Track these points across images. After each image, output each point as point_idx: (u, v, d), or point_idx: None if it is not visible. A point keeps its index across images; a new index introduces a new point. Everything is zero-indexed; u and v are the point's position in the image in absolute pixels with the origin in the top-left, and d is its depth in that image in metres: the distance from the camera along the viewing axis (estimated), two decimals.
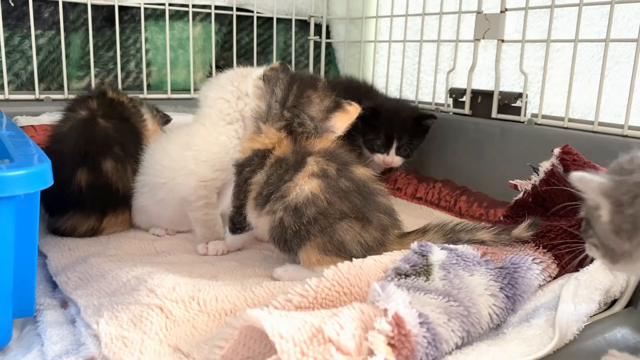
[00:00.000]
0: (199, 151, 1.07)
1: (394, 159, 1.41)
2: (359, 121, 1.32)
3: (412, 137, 1.41)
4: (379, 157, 1.42)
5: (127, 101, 1.23)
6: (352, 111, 0.99)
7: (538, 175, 1.04)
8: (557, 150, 1.03)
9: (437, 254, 0.78)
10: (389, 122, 1.38)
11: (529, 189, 1.04)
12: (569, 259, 0.86)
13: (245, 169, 0.94)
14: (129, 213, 1.13)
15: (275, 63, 1.05)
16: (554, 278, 0.83)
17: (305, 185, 0.85)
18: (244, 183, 0.93)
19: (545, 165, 1.03)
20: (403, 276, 0.71)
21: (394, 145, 1.40)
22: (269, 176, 0.90)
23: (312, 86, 0.98)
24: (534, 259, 0.81)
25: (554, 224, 0.93)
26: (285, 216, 0.86)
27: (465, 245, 0.83)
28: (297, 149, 0.91)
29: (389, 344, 0.55)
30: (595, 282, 0.78)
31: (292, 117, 0.94)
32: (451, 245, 0.82)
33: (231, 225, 1.00)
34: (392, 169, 1.53)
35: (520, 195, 1.06)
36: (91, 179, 1.07)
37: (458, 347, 0.64)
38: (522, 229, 0.88)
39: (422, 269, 0.73)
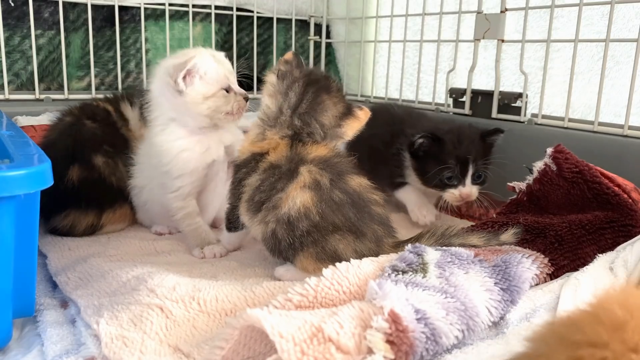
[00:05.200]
0: (157, 164, 1.06)
1: (471, 189, 1.15)
2: (410, 157, 1.19)
3: (485, 158, 1.17)
4: (452, 194, 1.15)
5: (112, 109, 1.21)
6: (362, 117, 0.96)
7: (533, 175, 1.05)
8: (549, 150, 1.04)
9: (432, 253, 0.78)
10: (458, 146, 1.14)
11: (524, 188, 1.05)
12: (564, 258, 0.87)
13: (241, 169, 0.93)
14: (127, 207, 1.14)
15: (288, 54, 1.00)
16: (550, 276, 0.84)
17: (297, 198, 0.83)
18: (238, 183, 0.92)
19: (538, 165, 1.04)
20: (400, 272, 0.71)
21: (469, 172, 1.14)
22: (261, 182, 0.88)
23: (327, 89, 0.94)
24: (523, 255, 0.82)
25: (546, 221, 0.94)
26: (278, 228, 0.85)
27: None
28: (292, 155, 0.88)
29: (388, 341, 0.55)
30: (595, 282, 0.78)
31: (302, 126, 0.91)
32: (443, 247, 0.83)
33: (227, 223, 1.00)
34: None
35: (516, 195, 1.07)
36: (84, 175, 1.07)
37: (459, 342, 0.64)
38: (509, 235, 0.89)
39: (418, 267, 0.73)
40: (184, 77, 1.02)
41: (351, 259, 0.75)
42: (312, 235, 0.83)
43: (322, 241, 0.83)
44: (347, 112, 0.96)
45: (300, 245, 0.83)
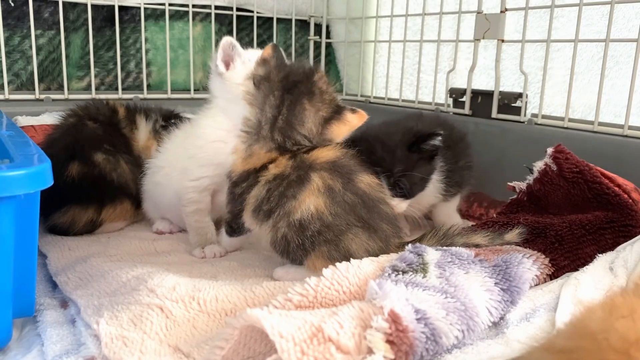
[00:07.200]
0: (189, 145, 1.06)
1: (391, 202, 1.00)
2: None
3: (408, 169, 1.03)
4: None
5: (122, 111, 1.23)
6: (354, 121, 0.89)
7: (533, 175, 1.05)
8: (550, 150, 1.04)
9: (432, 253, 0.78)
10: (372, 155, 1.03)
11: (524, 188, 1.06)
12: (565, 258, 0.87)
13: (240, 184, 0.89)
14: (128, 203, 1.14)
15: (267, 49, 0.91)
16: (550, 277, 0.84)
17: (311, 204, 0.82)
18: (239, 196, 0.89)
19: (539, 165, 1.04)
20: (400, 272, 0.71)
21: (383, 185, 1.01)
22: (268, 192, 0.85)
23: (308, 94, 0.87)
24: (524, 255, 0.82)
25: (547, 221, 0.94)
26: (289, 232, 0.83)
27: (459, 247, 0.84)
28: (298, 163, 0.85)
29: (388, 341, 0.55)
30: (595, 282, 0.78)
31: (284, 139, 0.87)
32: (444, 247, 0.83)
33: (229, 229, 0.98)
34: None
35: (516, 195, 1.07)
36: (84, 170, 1.08)
37: (459, 342, 0.64)
38: (514, 235, 0.89)
39: (418, 267, 0.73)
40: (227, 62, 1.04)
41: (351, 259, 0.75)
42: (323, 234, 0.82)
43: (335, 240, 0.82)
44: (333, 117, 0.88)
45: (311, 245, 0.83)
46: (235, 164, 0.91)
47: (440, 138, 1.05)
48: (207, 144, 1.05)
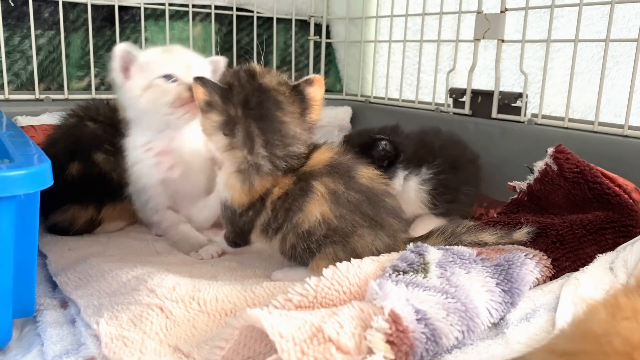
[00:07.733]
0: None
1: None
2: None
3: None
4: None
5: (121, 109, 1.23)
6: (318, 95, 0.87)
7: (533, 174, 1.05)
8: (550, 150, 1.04)
9: (434, 253, 0.78)
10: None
11: (525, 188, 1.05)
12: (566, 259, 0.87)
13: (247, 213, 0.87)
14: (128, 203, 1.14)
15: (196, 88, 0.83)
16: (551, 277, 0.84)
17: (317, 213, 0.82)
18: (247, 224, 0.88)
19: (539, 165, 1.04)
20: (401, 273, 0.71)
21: None
22: (273, 211, 0.84)
23: (276, 105, 0.84)
24: (526, 255, 0.82)
25: (547, 221, 0.94)
26: (297, 240, 0.84)
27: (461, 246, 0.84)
28: (299, 176, 0.85)
29: (388, 341, 0.55)
30: (595, 282, 0.78)
31: (288, 161, 0.85)
32: (447, 246, 0.83)
33: (232, 245, 0.96)
34: None
35: (517, 194, 1.07)
36: (84, 170, 1.08)
37: (459, 343, 0.64)
38: (522, 234, 0.89)
39: (419, 267, 0.73)
40: (125, 70, 0.99)
41: (352, 259, 0.75)
42: (329, 237, 0.82)
43: (341, 242, 0.82)
44: (304, 106, 0.86)
45: (317, 247, 0.83)
46: (234, 198, 0.87)
47: (384, 143, 1.08)
48: (130, 168, 1.03)
